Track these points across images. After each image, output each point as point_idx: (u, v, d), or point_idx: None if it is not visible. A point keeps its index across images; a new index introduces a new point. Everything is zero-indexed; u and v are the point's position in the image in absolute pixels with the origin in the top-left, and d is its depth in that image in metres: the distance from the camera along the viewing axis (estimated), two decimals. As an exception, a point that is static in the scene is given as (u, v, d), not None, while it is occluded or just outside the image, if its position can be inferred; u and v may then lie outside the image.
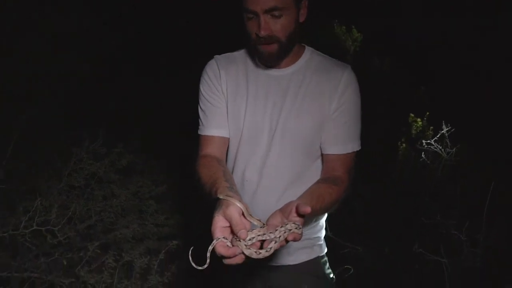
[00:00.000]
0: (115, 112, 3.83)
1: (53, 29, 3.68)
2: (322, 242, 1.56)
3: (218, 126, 1.45)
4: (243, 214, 1.07)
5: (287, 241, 1.03)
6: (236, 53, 1.50)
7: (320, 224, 1.54)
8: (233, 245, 1.01)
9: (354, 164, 1.44)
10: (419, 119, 3.14)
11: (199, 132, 1.48)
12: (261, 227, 1.07)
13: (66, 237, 2.14)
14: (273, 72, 1.42)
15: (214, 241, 1.01)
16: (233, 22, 1.55)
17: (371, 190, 2.89)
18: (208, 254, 1.01)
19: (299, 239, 1.04)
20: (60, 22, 3.74)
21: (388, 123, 3.26)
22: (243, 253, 0.99)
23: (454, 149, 2.84)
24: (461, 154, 2.84)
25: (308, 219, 1.28)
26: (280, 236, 1.02)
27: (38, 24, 3.66)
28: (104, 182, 2.67)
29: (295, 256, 1.49)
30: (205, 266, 1.02)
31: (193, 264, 1.04)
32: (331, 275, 1.56)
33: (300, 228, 1.04)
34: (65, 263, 2.10)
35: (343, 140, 1.40)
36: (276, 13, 1.26)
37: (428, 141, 2.91)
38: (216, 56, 1.49)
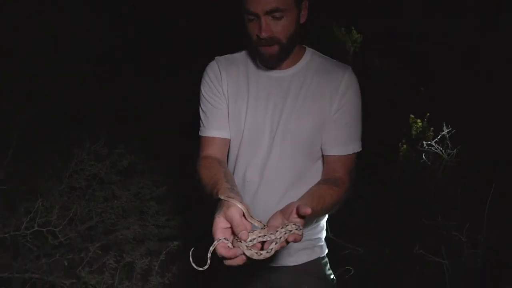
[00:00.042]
0: (115, 112, 3.83)
1: (53, 29, 3.68)
2: (323, 243, 1.56)
3: (219, 127, 1.45)
4: (244, 215, 1.07)
5: (287, 242, 1.03)
6: (236, 55, 1.50)
7: (321, 225, 1.54)
8: (234, 246, 1.01)
9: (355, 165, 1.43)
10: (418, 120, 3.14)
11: (200, 133, 1.48)
12: (261, 228, 1.07)
13: (67, 238, 2.15)
14: (274, 73, 1.42)
15: (215, 242, 1.01)
16: (233, 22, 1.55)
17: (372, 191, 2.89)
18: (209, 255, 1.01)
19: (300, 240, 1.04)
20: (60, 22, 3.74)
21: (389, 124, 3.26)
22: (244, 254, 0.99)
23: (455, 150, 2.84)
24: (462, 155, 2.84)
25: (309, 220, 1.27)
26: (280, 237, 1.02)
27: (38, 24, 3.66)
28: (105, 183, 2.67)
29: (295, 257, 1.49)
30: (206, 267, 1.02)
31: (194, 265, 1.05)
32: (332, 276, 1.56)
33: (300, 229, 1.04)
34: (66, 264, 2.10)
35: (344, 141, 1.40)
36: (277, 14, 1.26)
37: (429, 142, 2.91)
38: (217, 58, 1.49)
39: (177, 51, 4.77)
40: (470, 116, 3.11)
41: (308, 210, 1.04)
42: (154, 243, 2.66)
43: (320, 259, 1.53)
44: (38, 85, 3.42)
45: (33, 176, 2.52)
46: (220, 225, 1.04)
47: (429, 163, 2.91)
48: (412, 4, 4.04)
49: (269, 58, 1.34)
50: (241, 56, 1.49)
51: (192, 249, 1.09)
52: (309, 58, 1.43)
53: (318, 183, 1.36)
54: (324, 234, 1.57)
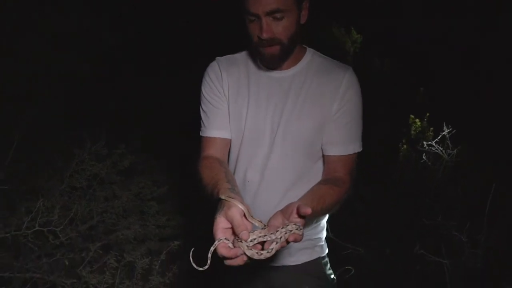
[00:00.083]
0: (116, 112, 3.84)
1: (53, 29, 3.69)
2: (323, 243, 1.57)
3: (219, 127, 1.45)
4: (244, 215, 1.07)
5: (288, 242, 1.03)
6: (237, 55, 1.50)
7: (321, 225, 1.54)
8: (234, 246, 1.01)
9: (356, 165, 1.44)
10: (418, 120, 3.14)
11: (201, 134, 1.49)
12: (262, 228, 1.07)
13: (68, 238, 2.15)
14: (275, 74, 1.42)
15: (216, 242, 1.01)
16: (233, 22, 1.55)
17: (372, 191, 2.89)
18: (210, 255, 1.01)
19: (300, 240, 1.04)
20: (60, 22, 3.74)
21: (389, 124, 3.26)
22: (244, 254, 1.00)
23: (455, 150, 2.84)
24: (462, 155, 2.84)
25: (309, 220, 1.28)
26: (281, 237, 1.03)
27: (38, 24, 3.66)
28: (105, 183, 2.68)
29: (296, 257, 1.49)
30: (206, 267, 1.03)
31: (194, 265, 1.05)
32: (332, 276, 1.56)
33: (301, 229, 1.05)
34: (67, 263, 2.10)
35: (344, 141, 1.40)
36: (278, 15, 1.26)
37: (429, 142, 2.91)
38: (218, 58, 1.49)
39: (177, 51, 4.78)
40: (470, 116, 3.11)
41: (308, 210, 1.04)
42: (154, 243, 2.67)
43: (321, 258, 1.54)
44: (38, 85, 3.42)
45: (33, 176, 2.52)
46: (221, 225, 1.04)
47: (429, 163, 2.91)
48: (412, 4, 4.04)
49: (270, 58, 1.34)
50: (242, 56, 1.49)
51: (193, 249, 1.09)
52: (310, 58, 1.44)
53: (319, 183, 1.36)
54: (324, 234, 1.57)
